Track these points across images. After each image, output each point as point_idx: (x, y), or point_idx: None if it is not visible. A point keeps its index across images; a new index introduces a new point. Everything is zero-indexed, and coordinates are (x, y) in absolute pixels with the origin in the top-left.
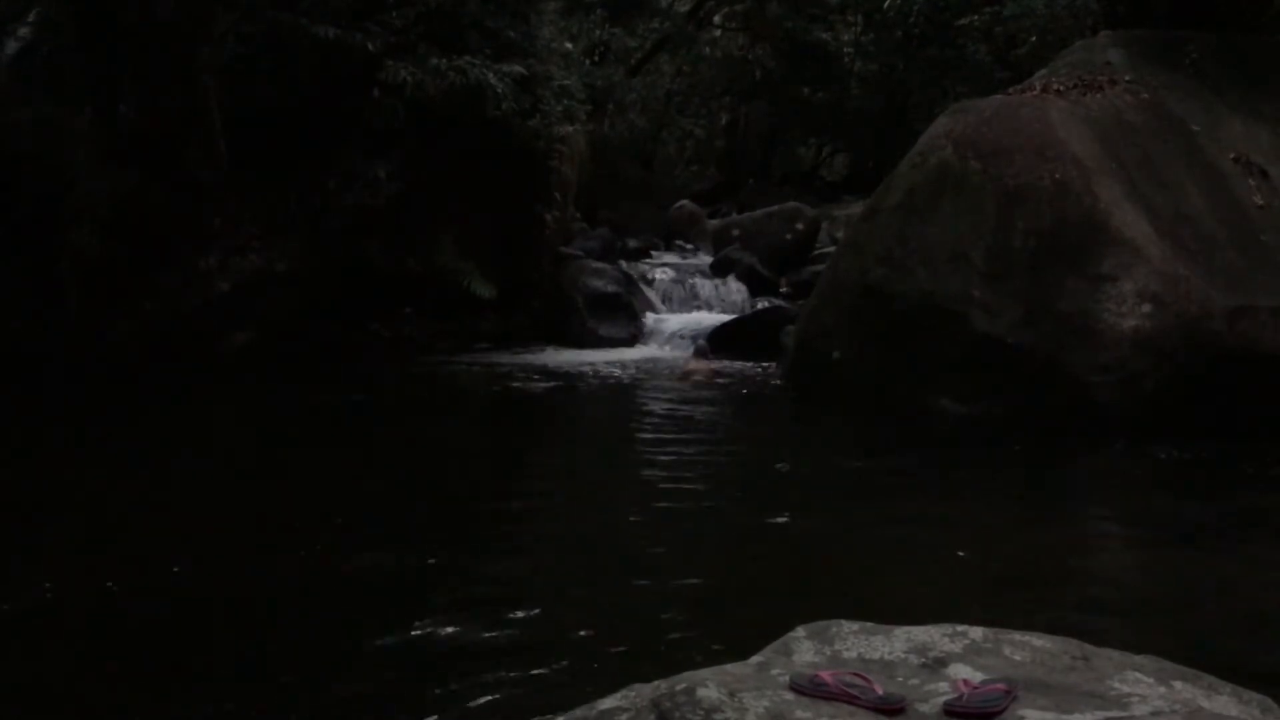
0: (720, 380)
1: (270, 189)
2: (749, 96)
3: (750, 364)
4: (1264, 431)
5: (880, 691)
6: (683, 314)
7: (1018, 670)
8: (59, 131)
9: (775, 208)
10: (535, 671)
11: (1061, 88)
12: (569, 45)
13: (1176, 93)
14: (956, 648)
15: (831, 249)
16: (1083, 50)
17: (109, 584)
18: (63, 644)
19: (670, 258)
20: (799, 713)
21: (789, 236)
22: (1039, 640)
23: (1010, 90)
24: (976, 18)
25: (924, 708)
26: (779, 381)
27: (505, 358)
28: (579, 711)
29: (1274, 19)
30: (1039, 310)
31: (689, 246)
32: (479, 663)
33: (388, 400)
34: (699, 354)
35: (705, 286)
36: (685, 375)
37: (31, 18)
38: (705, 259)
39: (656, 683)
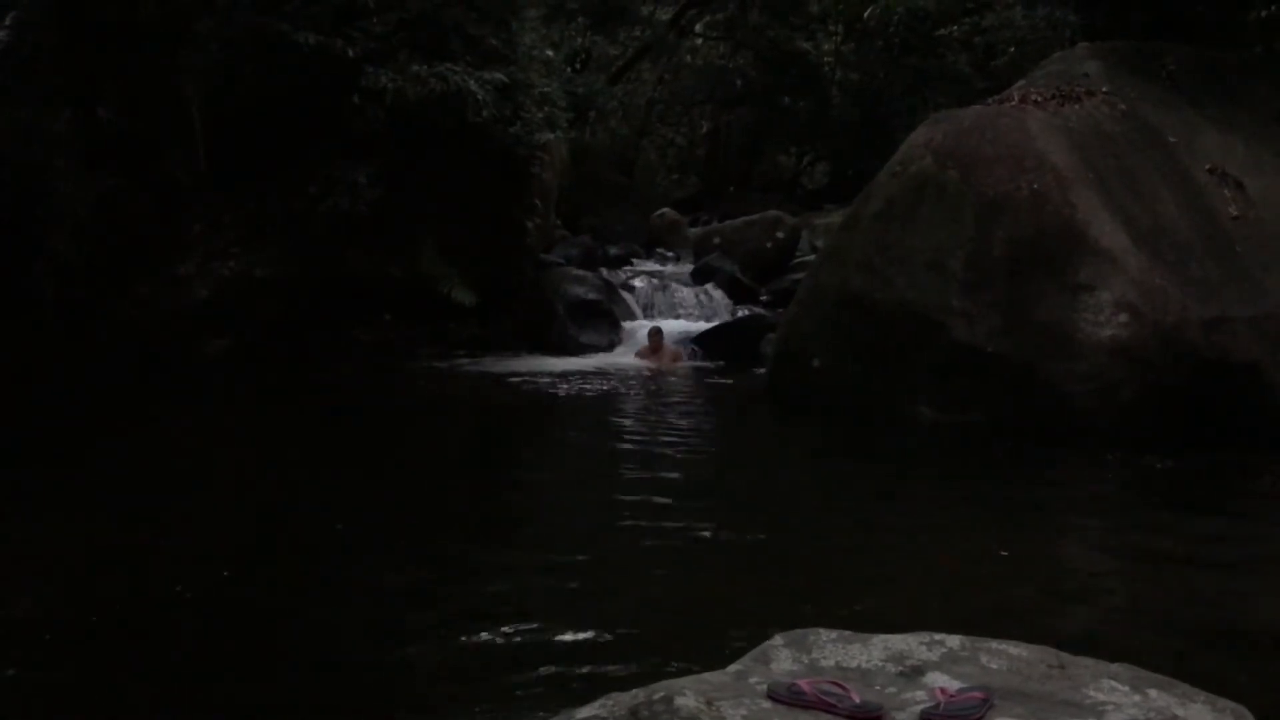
0: (685, 364)
1: (250, 194)
2: (730, 105)
3: (731, 371)
4: (1240, 441)
5: (857, 700)
6: (663, 321)
7: (994, 678)
8: (38, 134)
9: (756, 216)
10: (513, 680)
11: (1040, 98)
12: (550, 53)
13: (1153, 104)
14: (934, 656)
15: (812, 257)
16: (1061, 61)
17: (102, 591)
18: (53, 654)
19: (651, 265)
20: None
21: (770, 245)
22: (1015, 648)
23: (989, 100)
24: (956, 28)
25: (901, 716)
26: (759, 389)
27: (486, 364)
28: None
29: (1250, 31)
30: (1017, 319)
31: (670, 254)
32: (457, 671)
33: (369, 407)
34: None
35: (686, 294)
36: (656, 371)
37: (10, 20)
38: (686, 267)
39: (634, 691)
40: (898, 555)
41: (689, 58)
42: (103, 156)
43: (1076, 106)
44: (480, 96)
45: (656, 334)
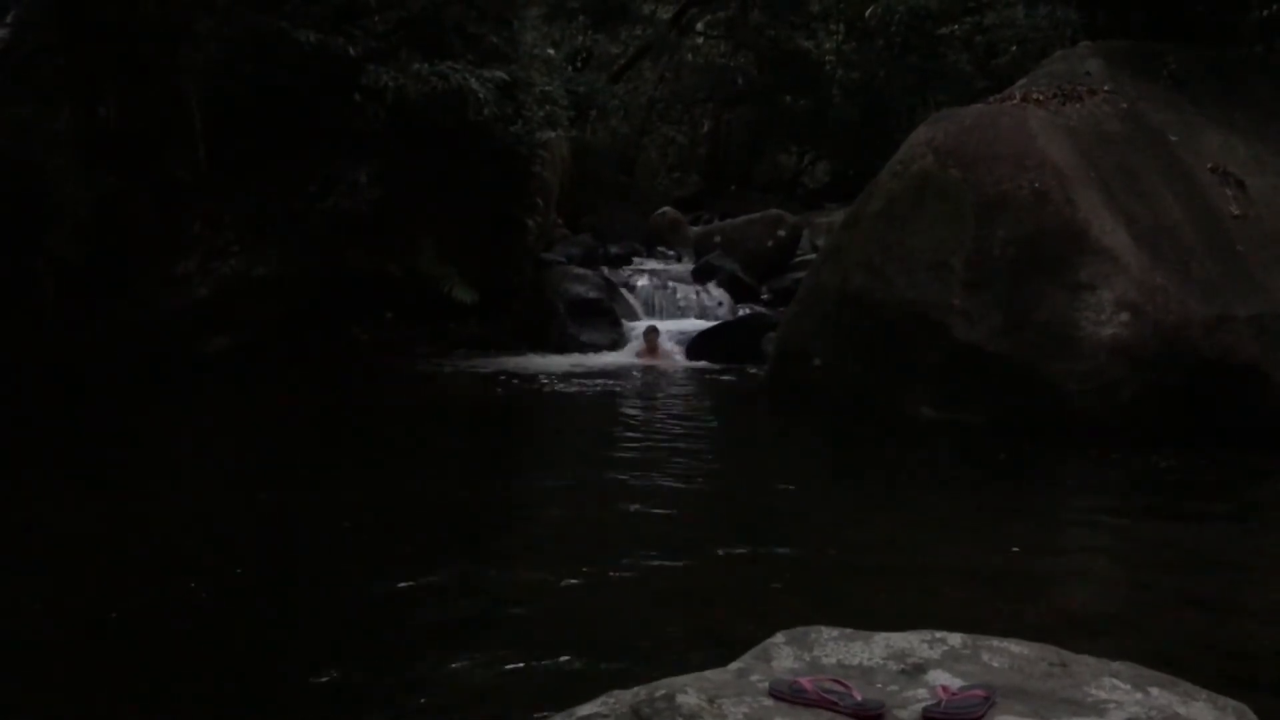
0: (679, 361)
1: (250, 193)
2: (731, 104)
3: (732, 370)
4: (1241, 440)
5: (859, 698)
6: (664, 320)
7: (996, 676)
8: (38, 133)
9: (757, 215)
10: (514, 678)
11: (1041, 97)
12: (551, 51)
13: (1155, 103)
14: (935, 654)
15: (813, 256)
16: (1062, 60)
17: (104, 594)
18: (62, 653)
19: (652, 264)
20: (778, 719)
21: (770, 243)
22: (1017, 646)
23: (991, 99)
24: (957, 27)
25: (903, 714)
26: (760, 388)
27: (486, 363)
28: (558, 718)
29: (1250, 31)
30: (1018, 318)
31: (671, 253)
32: (458, 669)
33: (368, 406)
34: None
35: (687, 293)
36: (655, 370)
37: (10, 18)
38: (687, 265)
39: (636, 689)
40: (898, 554)
41: (690, 56)
42: (103, 155)
43: (1078, 105)
44: (481, 95)
45: (653, 333)
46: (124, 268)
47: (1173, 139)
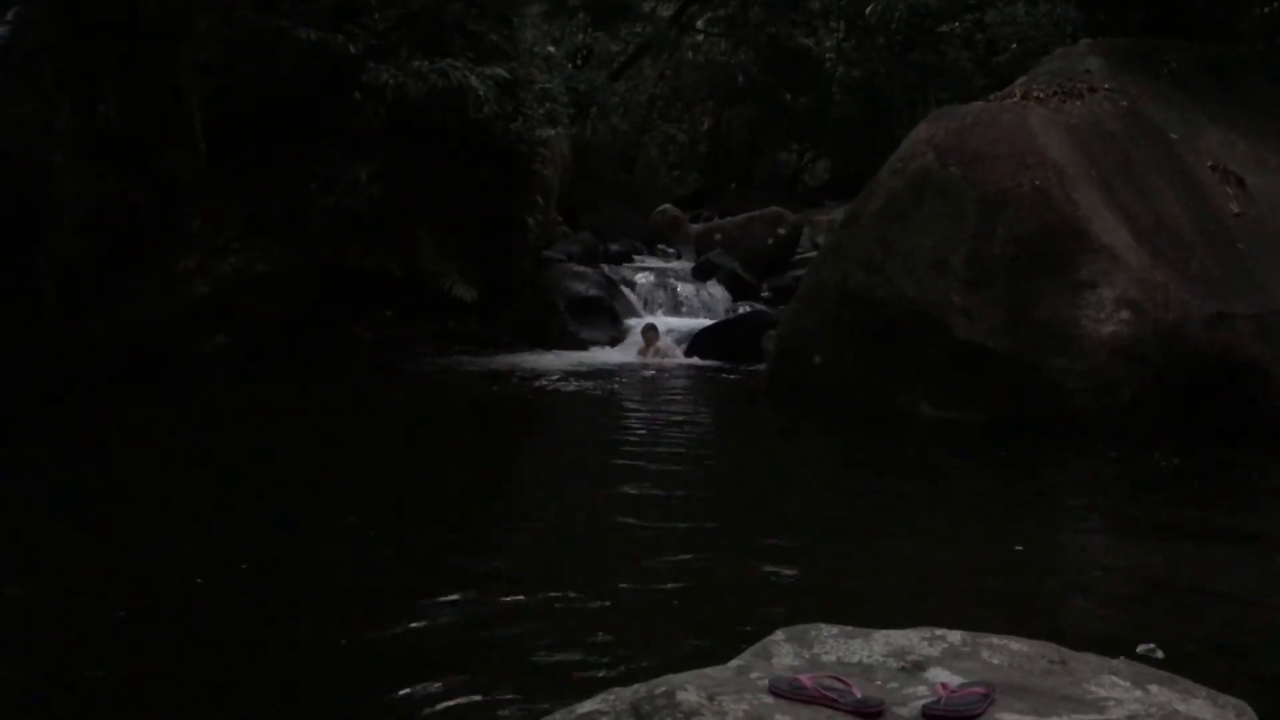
0: (676, 358)
1: (251, 190)
2: (731, 101)
3: (731, 368)
4: (1241, 438)
5: (859, 695)
6: (665, 317)
7: (996, 674)
8: (38, 131)
9: (757, 212)
10: (515, 676)
11: (1042, 95)
12: (552, 49)
13: (1155, 101)
14: (935, 651)
15: (813, 254)
16: (1063, 58)
17: (105, 592)
18: (71, 651)
19: (652, 262)
20: (778, 716)
21: (771, 241)
22: (1017, 644)
23: (991, 97)
24: (958, 24)
25: (903, 711)
26: (760, 386)
27: (486, 360)
28: (558, 716)
29: (1250, 29)
30: (1019, 316)
31: (671, 250)
32: (459, 667)
33: (369, 403)
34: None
35: (687, 290)
36: (654, 367)
37: (10, 16)
38: (687, 263)
39: (636, 686)
40: (899, 551)
41: (690, 54)
42: (103, 153)
43: (1078, 103)
44: (481, 92)
45: (651, 331)
46: (124, 266)
47: (1173, 137)
